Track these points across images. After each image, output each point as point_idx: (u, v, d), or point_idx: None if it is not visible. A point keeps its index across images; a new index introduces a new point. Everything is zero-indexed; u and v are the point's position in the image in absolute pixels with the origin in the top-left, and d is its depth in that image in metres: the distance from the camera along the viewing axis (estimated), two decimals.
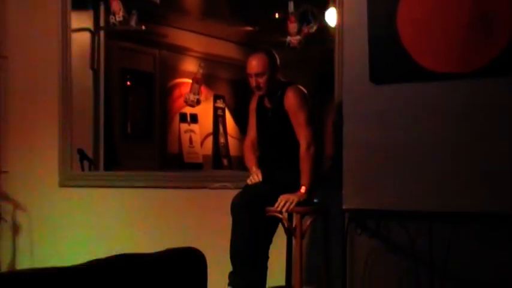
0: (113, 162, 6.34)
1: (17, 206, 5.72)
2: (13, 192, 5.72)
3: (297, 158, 4.33)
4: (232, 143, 8.24)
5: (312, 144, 4.32)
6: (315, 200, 4.40)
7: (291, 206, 4.24)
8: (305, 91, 4.47)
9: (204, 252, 3.27)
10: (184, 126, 7.73)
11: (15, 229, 5.73)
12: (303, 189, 4.28)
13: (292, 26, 5.69)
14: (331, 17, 5.55)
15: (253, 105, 4.66)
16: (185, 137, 7.73)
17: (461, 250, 3.96)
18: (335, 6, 4.91)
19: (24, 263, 5.65)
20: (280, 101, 4.43)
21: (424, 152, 4.06)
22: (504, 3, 3.87)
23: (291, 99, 4.40)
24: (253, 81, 4.43)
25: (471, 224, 3.96)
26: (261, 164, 4.54)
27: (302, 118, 4.36)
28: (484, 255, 3.94)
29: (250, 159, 4.61)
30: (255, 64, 4.42)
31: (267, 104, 4.53)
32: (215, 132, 8.15)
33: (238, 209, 4.28)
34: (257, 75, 4.40)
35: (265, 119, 4.56)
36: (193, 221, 5.20)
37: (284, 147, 4.46)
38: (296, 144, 4.35)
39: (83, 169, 5.74)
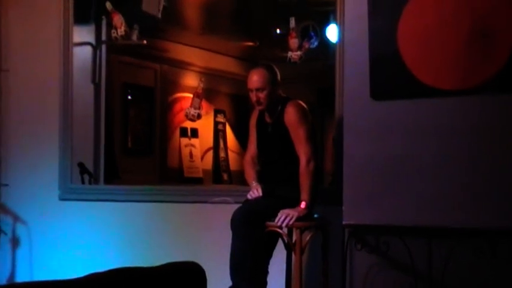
0: (114, 176, 6.34)
1: (16, 219, 5.72)
2: (13, 205, 5.72)
3: (297, 173, 4.33)
4: (232, 157, 8.25)
5: (311, 159, 4.33)
6: (315, 215, 4.41)
7: (291, 221, 4.24)
8: (305, 106, 4.48)
9: (203, 266, 3.27)
10: (184, 140, 7.75)
11: (15, 242, 5.72)
12: (303, 204, 4.28)
13: (293, 42, 5.71)
14: (332, 33, 5.58)
15: (253, 120, 4.67)
16: (185, 152, 7.74)
17: (460, 265, 3.96)
18: (336, 22, 4.93)
19: (23, 276, 5.65)
20: (280, 116, 4.44)
21: (424, 167, 4.07)
22: (504, 20, 3.89)
23: (291, 115, 4.41)
24: (253, 96, 4.44)
25: (470, 239, 3.96)
26: (261, 179, 4.54)
27: (302, 133, 4.37)
28: (483, 270, 3.93)
29: (250, 174, 4.62)
30: (255, 79, 4.43)
31: (268, 119, 4.55)
32: (215, 147, 8.16)
33: (238, 223, 4.28)
34: (258, 90, 4.42)
35: (265, 134, 4.57)
36: (193, 235, 5.20)
37: (284, 163, 4.47)
38: (296, 160, 4.36)
39: (83, 183, 5.74)
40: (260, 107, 4.48)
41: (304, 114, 4.42)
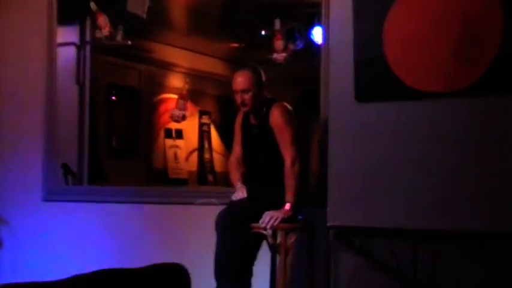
0: (98, 177, 6.32)
1: (0, 220, 5.68)
2: None
3: (282, 174, 4.33)
4: (217, 159, 8.23)
5: (296, 161, 4.33)
6: (300, 217, 4.41)
7: (276, 223, 4.24)
8: (290, 108, 4.49)
9: (188, 267, 3.27)
10: (169, 141, 7.72)
11: None
12: (287, 206, 4.28)
13: (279, 43, 5.72)
14: (317, 34, 5.58)
15: (238, 121, 4.67)
16: (170, 153, 7.71)
17: (446, 269, 3.97)
18: (321, 24, 4.93)
19: (6, 278, 5.61)
20: (265, 117, 4.44)
21: (409, 169, 4.08)
22: (490, 22, 3.91)
23: (276, 116, 4.41)
24: (238, 98, 4.44)
25: (457, 242, 3.97)
26: (246, 181, 4.54)
27: (287, 135, 4.37)
28: (469, 274, 3.94)
29: (235, 176, 4.62)
30: (240, 80, 4.43)
31: (253, 120, 4.55)
32: (200, 148, 8.14)
33: (222, 225, 4.28)
34: (242, 91, 4.42)
35: (250, 135, 4.57)
36: (178, 236, 5.19)
37: (269, 164, 4.47)
38: (281, 161, 4.36)
39: (67, 184, 5.72)
40: (245, 109, 4.48)
41: (289, 116, 4.42)
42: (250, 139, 4.57)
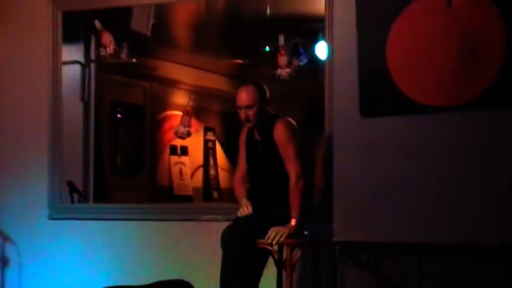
0: (103, 195, 6.32)
1: (5, 238, 5.68)
2: (2, 225, 5.69)
3: (287, 190, 4.33)
4: (222, 175, 8.21)
5: (301, 176, 4.33)
6: (305, 232, 4.40)
7: (281, 238, 4.24)
8: (294, 124, 4.49)
9: (194, 284, 3.27)
10: (174, 158, 7.72)
11: (4, 262, 5.69)
12: (293, 221, 4.27)
13: (282, 59, 5.72)
14: (321, 50, 5.59)
15: (243, 137, 4.67)
16: (175, 170, 7.71)
17: (451, 282, 3.96)
18: (325, 40, 4.95)
19: None
20: (269, 133, 4.44)
21: (414, 184, 4.08)
22: (492, 38, 3.92)
23: (280, 132, 4.41)
24: (242, 114, 4.45)
25: (462, 256, 3.96)
26: (251, 197, 4.54)
27: (291, 151, 4.37)
28: (474, 286, 3.93)
29: (240, 192, 4.62)
30: (244, 97, 4.44)
31: (257, 136, 4.55)
32: (205, 165, 8.13)
33: (228, 241, 4.27)
34: (246, 107, 4.42)
35: (255, 151, 4.57)
36: (184, 253, 5.18)
37: (274, 180, 4.46)
38: (286, 177, 4.36)
39: (72, 201, 5.72)
40: (249, 125, 4.49)
41: (293, 132, 4.42)
42: (255, 155, 4.57)
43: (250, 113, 4.42)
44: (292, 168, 4.35)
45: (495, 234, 3.88)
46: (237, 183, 4.68)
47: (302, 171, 4.35)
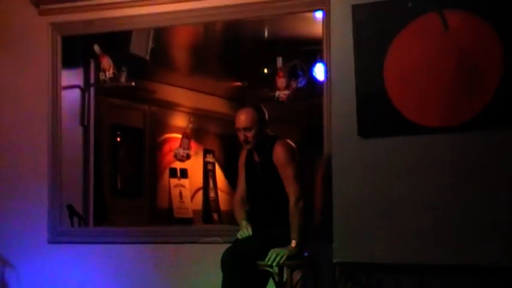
0: (103, 218, 6.32)
1: (5, 263, 5.67)
2: (1, 249, 5.68)
3: (287, 212, 4.33)
4: (222, 197, 8.23)
5: (300, 198, 4.33)
6: (305, 254, 4.40)
7: (282, 260, 4.24)
8: (293, 145, 4.50)
9: None
10: (174, 181, 7.73)
11: (3, 287, 5.67)
12: (293, 243, 4.28)
13: (281, 81, 5.74)
14: (319, 71, 5.62)
15: (242, 159, 4.68)
16: (175, 192, 7.72)
17: None
18: (323, 61, 4.97)
19: None
20: (269, 155, 4.45)
21: (414, 205, 4.08)
22: (489, 57, 3.94)
23: (279, 154, 4.42)
24: (241, 136, 4.46)
25: (463, 276, 3.95)
26: (251, 218, 4.54)
27: (290, 172, 4.38)
28: None
29: (240, 214, 4.62)
30: (243, 119, 4.45)
31: (256, 158, 4.56)
32: (205, 187, 8.14)
33: (228, 263, 4.27)
34: (245, 129, 4.44)
35: (254, 173, 4.58)
36: (184, 275, 5.17)
37: (273, 202, 4.47)
38: (285, 199, 4.36)
39: (72, 225, 5.72)
40: (248, 146, 4.50)
41: (292, 153, 4.43)
42: (254, 177, 4.58)
43: (249, 134, 4.43)
44: (291, 190, 4.36)
45: (496, 254, 3.88)
46: (236, 205, 4.68)
47: (302, 193, 4.35)
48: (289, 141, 4.51)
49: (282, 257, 4.23)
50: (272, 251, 4.25)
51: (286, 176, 4.38)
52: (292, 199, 4.33)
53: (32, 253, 5.61)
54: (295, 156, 4.43)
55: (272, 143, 4.46)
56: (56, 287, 5.51)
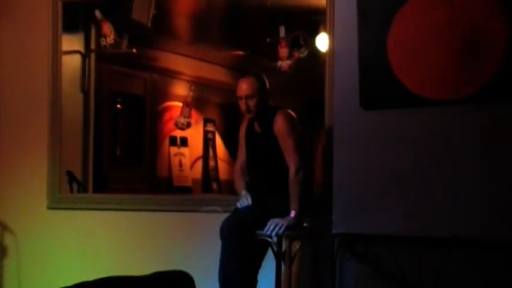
0: (102, 185, 6.31)
1: (4, 228, 5.68)
2: (1, 214, 5.69)
3: (287, 182, 4.33)
4: (222, 166, 8.21)
5: (300, 169, 4.33)
6: (305, 225, 4.40)
7: (281, 230, 4.24)
8: (294, 116, 4.48)
9: (193, 275, 3.27)
10: (174, 149, 7.71)
11: (3, 252, 5.69)
12: (292, 213, 4.28)
13: (283, 51, 5.71)
14: (322, 42, 5.58)
15: (243, 129, 4.67)
16: (175, 161, 7.70)
17: (451, 275, 3.96)
18: (326, 32, 4.94)
19: (11, 287, 5.61)
20: (270, 125, 4.44)
21: (414, 176, 4.07)
22: (494, 31, 3.91)
23: (280, 124, 4.41)
24: (243, 104, 4.45)
25: (461, 249, 3.96)
26: (251, 188, 4.54)
27: (291, 143, 4.37)
28: (473, 280, 3.94)
29: (240, 184, 4.62)
30: (244, 87, 4.44)
31: (257, 128, 4.55)
32: (205, 156, 8.13)
33: (227, 232, 4.28)
34: (247, 97, 4.42)
35: (255, 143, 4.57)
36: (183, 244, 5.19)
37: (273, 172, 4.46)
38: (285, 169, 4.36)
39: (71, 191, 5.72)
40: (249, 115, 4.48)
41: (292, 124, 4.42)
42: (255, 147, 4.57)
43: (251, 103, 4.42)
44: (291, 160, 4.35)
45: (495, 227, 3.88)
46: (236, 174, 4.68)
47: (302, 163, 4.35)
48: (290, 111, 4.50)
49: (281, 227, 4.24)
50: (271, 221, 4.26)
51: (287, 146, 4.38)
52: (292, 169, 4.33)
53: (31, 219, 5.62)
54: (296, 126, 4.42)
55: (273, 113, 4.45)
56: (55, 253, 5.53)
